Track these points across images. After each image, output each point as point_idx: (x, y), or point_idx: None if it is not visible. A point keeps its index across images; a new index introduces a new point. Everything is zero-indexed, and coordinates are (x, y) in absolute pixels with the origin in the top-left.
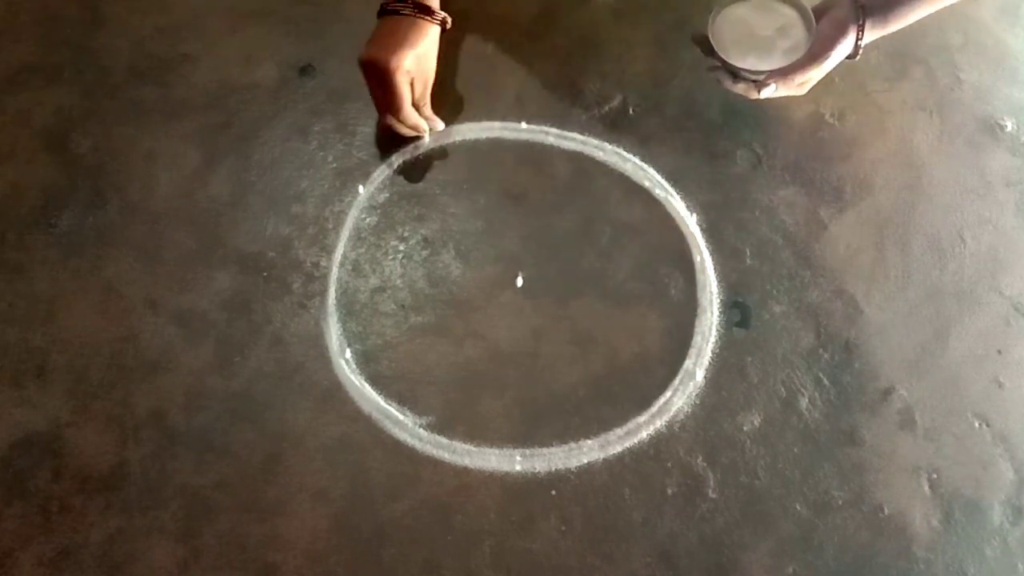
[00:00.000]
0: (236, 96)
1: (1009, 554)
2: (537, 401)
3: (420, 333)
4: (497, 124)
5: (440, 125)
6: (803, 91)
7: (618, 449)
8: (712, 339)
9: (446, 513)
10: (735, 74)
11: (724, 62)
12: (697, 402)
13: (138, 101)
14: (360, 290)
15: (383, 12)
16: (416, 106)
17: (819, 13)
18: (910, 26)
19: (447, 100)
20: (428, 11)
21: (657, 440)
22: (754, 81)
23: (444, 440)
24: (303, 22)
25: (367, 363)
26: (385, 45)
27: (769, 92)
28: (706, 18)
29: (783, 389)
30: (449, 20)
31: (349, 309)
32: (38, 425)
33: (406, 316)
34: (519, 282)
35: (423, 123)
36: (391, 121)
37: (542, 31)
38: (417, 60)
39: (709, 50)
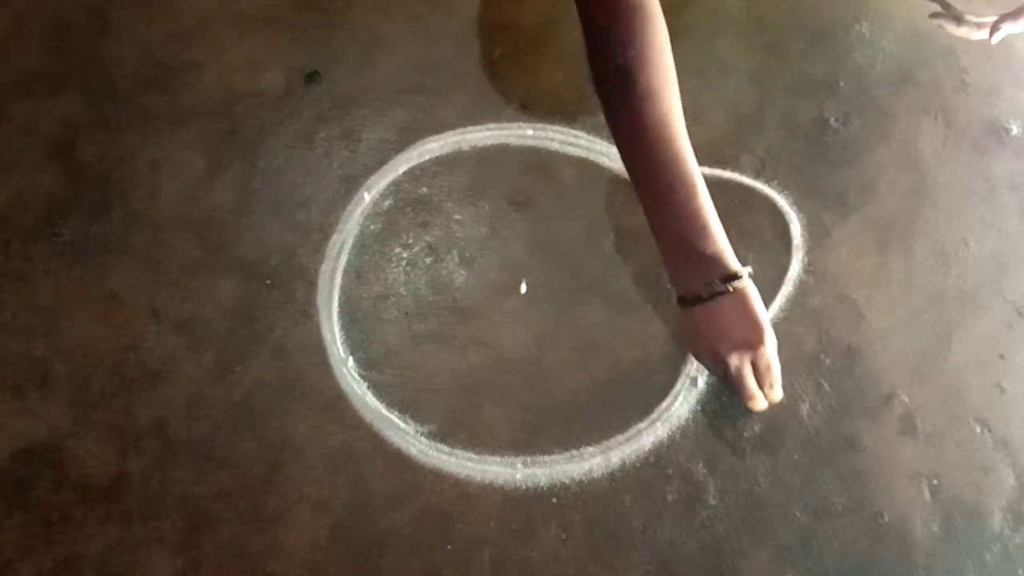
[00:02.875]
0: (242, 103)
1: (1010, 560)
2: (539, 408)
3: (423, 341)
4: (503, 130)
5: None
6: None
7: (619, 456)
8: None
9: (446, 522)
10: (959, 18)
11: (948, 6)
12: (698, 408)
13: (144, 109)
14: (363, 297)
15: (697, 299)
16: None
17: None
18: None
19: (455, 105)
20: (736, 276)
21: (658, 446)
22: (977, 24)
23: (445, 448)
24: (309, 29)
25: (369, 371)
26: (736, 335)
27: (1002, 35)
28: None
29: (784, 395)
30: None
31: (352, 317)
32: (39, 435)
33: (409, 324)
34: (523, 289)
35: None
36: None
37: (548, 37)
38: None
39: None
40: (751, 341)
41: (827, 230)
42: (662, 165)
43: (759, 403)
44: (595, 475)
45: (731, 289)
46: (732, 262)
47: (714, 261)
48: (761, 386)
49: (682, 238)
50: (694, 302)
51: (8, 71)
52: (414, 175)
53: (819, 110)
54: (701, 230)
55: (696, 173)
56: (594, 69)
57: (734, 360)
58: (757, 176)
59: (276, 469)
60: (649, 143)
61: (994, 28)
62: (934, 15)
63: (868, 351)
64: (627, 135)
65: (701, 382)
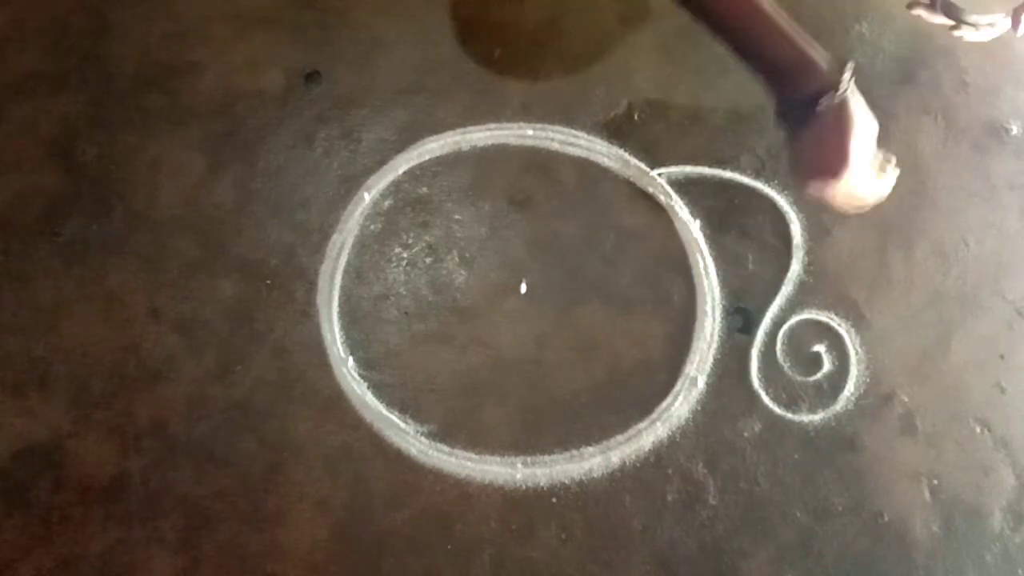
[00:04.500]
0: (242, 103)
1: (1010, 560)
2: (539, 408)
3: (423, 340)
4: (503, 130)
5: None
6: None
7: (619, 456)
8: (714, 345)
9: (447, 522)
10: (959, 19)
11: (951, 7)
12: (698, 408)
13: (144, 109)
14: (363, 297)
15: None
16: None
17: None
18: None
19: (455, 105)
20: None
21: (658, 446)
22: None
23: (446, 448)
24: (309, 29)
25: (369, 371)
26: (827, 158)
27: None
28: None
29: (784, 394)
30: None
31: (352, 317)
32: (39, 435)
33: (409, 324)
34: (523, 289)
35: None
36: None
37: (548, 38)
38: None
39: None
40: (831, 169)
41: (827, 230)
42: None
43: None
44: (595, 475)
45: (822, 105)
46: (825, 73)
47: (810, 73)
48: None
49: (770, 56)
50: (814, 113)
51: (8, 71)
52: (414, 175)
53: None
54: (786, 44)
55: None
56: None
57: (812, 190)
58: (757, 176)
59: (276, 469)
60: None
61: (1016, 20)
62: (913, 4)
63: (868, 351)
64: None
65: (701, 382)
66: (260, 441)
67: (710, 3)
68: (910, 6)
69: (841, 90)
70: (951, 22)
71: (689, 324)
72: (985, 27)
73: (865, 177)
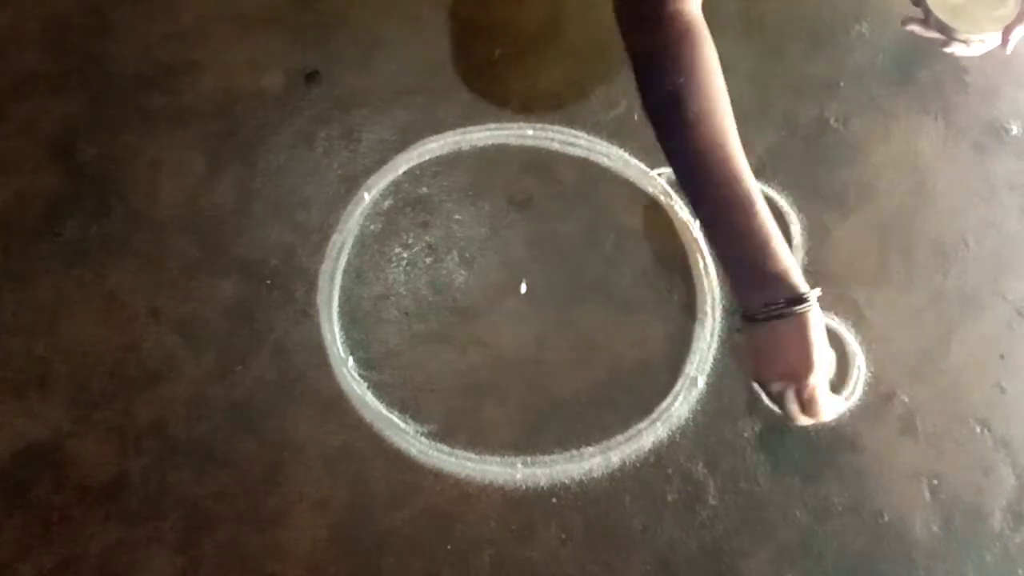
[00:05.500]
0: (242, 103)
1: (1010, 560)
2: (539, 408)
3: (423, 341)
4: (503, 130)
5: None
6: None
7: (619, 456)
8: (714, 345)
9: (446, 522)
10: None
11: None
12: (698, 408)
13: (144, 109)
14: (363, 297)
15: (758, 321)
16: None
17: None
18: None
19: (455, 105)
20: (800, 300)
21: (658, 446)
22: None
23: (445, 448)
24: (309, 29)
25: (369, 371)
26: (790, 361)
27: (1014, 43)
28: None
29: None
30: (818, 291)
31: (352, 317)
32: (40, 435)
33: (409, 324)
34: (523, 289)
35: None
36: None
37: (548, 38)
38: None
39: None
40: (797, 372)
41: (827, 230)
42: (717, 186)
43: (800, 422)
44: (595, 475)
45: (788, 313)
46: (796, 283)
47: (776, 281)
48: (805, 413)
49: (742, 257)
50: (751, 321)
51: (8, 71)
52: (414, 175)
53: (819, 110)
54: (761, 249)
55: (754, 191)
56: (643, 95)
57: (776, 387)
58: (757, 176)
59: (276, 469)
60: (703, 165)
61: (1005, 40)
62: (907, 20)
63: (868, 351)
64: (680, 158)
65: (701, 382)
66: (260, 441)
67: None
68: (904, 22)
69: (809, 300)
70: (943, 38)
71: (689, 324)
72: (976, 43)
73: (825, 387)
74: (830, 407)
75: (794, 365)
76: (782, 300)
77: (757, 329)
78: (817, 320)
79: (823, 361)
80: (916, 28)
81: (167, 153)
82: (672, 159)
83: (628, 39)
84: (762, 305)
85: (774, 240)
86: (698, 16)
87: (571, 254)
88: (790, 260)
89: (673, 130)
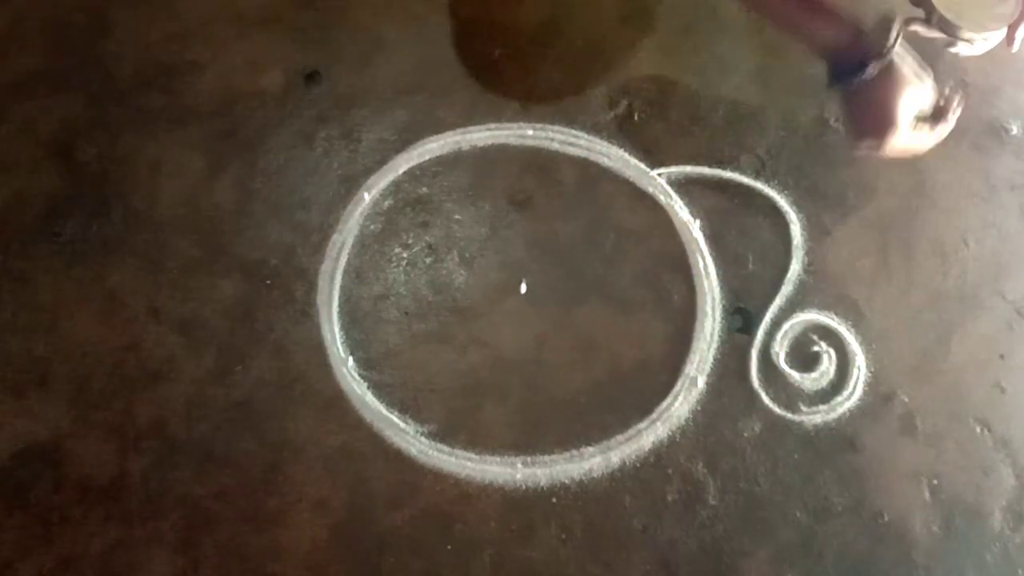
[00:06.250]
0: (242, 103)
1: (1010, 561)
2: (539, 408)
3: (423, 340)
4: (503, 130)
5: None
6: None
7: (619, 456)
8: (714, 345)
9: (447, 522)
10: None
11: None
12: (698, 408)
13: (144, 109)
14: (363, 297)
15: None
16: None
17: None
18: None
19: (455, 105)
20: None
21: (658, 446)
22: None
23: (445, 448)
24: (310, 29)
25: (369, 371)
26: (878, 120)
27: (1019, 41)
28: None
29: (784, 394)
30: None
31: (352, 317)
32: (39, 435)
33: (409, 324)
34: (523, 289)
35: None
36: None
37: (548, 37)
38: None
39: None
40: (878, 131)
41: (827, 230)
42: None
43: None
44: (595, 475)
45: (868, 73)
46: (867, 39)
47: (848, 40)
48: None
49: (811, 27)
50: (836, 85)
51: (8, 71)
52: (414, 175)
53: (819, 110)
54: (818, 12)
55: None
56: None
57: (862, 149)
58: (757, 176)
59: (276, 469)
60: None
61: (1010, 37)
62: (909, 20)
63: (868, 351)
64: None
65: (701, 382)
66: (260, 441)
67: None
68: (907, 22)
69: (885, 57)
70: (946, 37)
71: (689, 324)
72: (980, 42)
73: (911, 135)
74: (925, 140)
75: (874, 125)
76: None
77: (871, 81)
78: (901, 73)
79: (908, 111)
80: (919, 28)
81: (167, 153)
82: None
83: None
84: (842, 61)
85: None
86: None
87: (571, 254)
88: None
89: None
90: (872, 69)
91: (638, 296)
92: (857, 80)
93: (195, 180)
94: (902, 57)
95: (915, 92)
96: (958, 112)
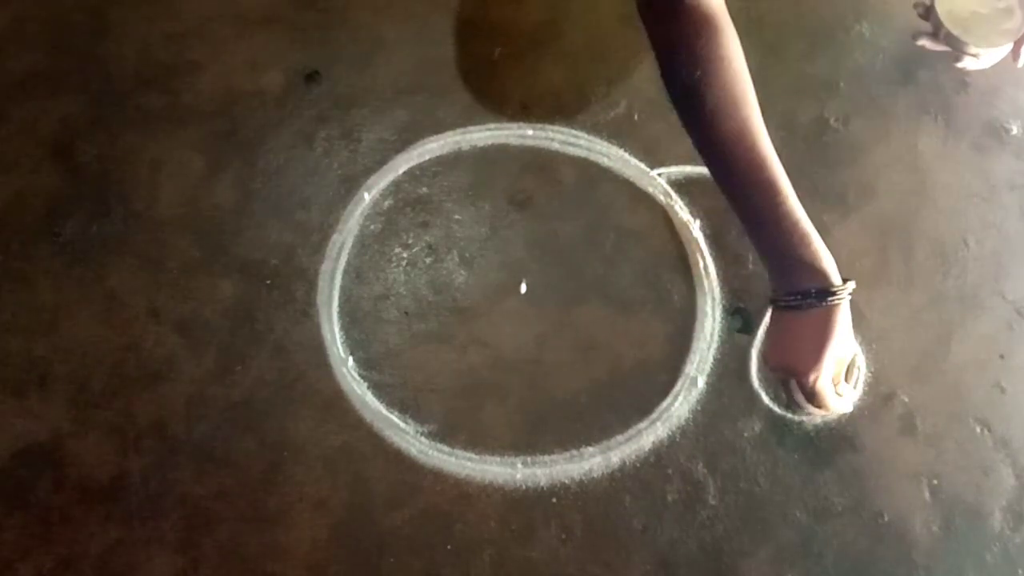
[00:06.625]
0: (242, 103)
1: (1010, 561)
2: (539, 408)
3: (423, 340)
4: (503, 130)
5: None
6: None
7: (619, 456)
8: (714, 345)
9: (447, 522)
10: (961, 50)
11: (955, 40)
12: (698, 408)
13: (144, 109)
14: (364, 297)
15: (779, 307)
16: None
17: None
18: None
19: (455, 105)
20: (830, 292)
21: (658, 446)
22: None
23: (445, 448)
24: (309, 29)
25: (369, 371)
26: (799, 354)
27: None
28: None
29: (784, 395)
30: (852, 285)
31: (352, 317)
32: (40, 435)
33: (409, 323)
34: (523, 289)
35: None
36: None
37: (548, 38)
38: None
39: (936, 25)
40: (801, 366)
41: (827, 230)
42: (741, 174)
43: (805, 412)
44: (595, 475)
45: (806, 305)
46: (827, 273)
47: (804, 270)
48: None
49: (769, 244)
50: (774, 305)
51: (8, 71)
52: (414, 175)
53: (819, 110)
54: (787, 235)
55: (780, 179)
56: (666, 85)
57: (777, 375)
58: None
59: (276, 469)
60: (726, 154)
61: (1016, 51)
62: (917, 35)
63: (868, 351)
64: (704, 148)
65: (701, 382)
66: (260, 441)
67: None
68: (915, 37)
69: (841, 293)
70: (954, 52)
71: (689, 324)
72: (986, 56)
73: (828, 388)
74: (836, 403)
75: (803, 357)
76: (811, 290)
77: (780, 314)
78: (843, 316)
79: (832, 360)
80: (926, 43)
81: (167, 153)
82: (696, 147)
83: (649, 31)
84: (785, 293)
85: (802, 226)
86: (719, 7)
87: (571, 254)
88: (820, 249)
89: (694, 122)
90: (825, 302)
91: (638, 296)
92: (804, 307)
93: (195, 180)
94: (846, 313)
95: (842, 350)
96: (855, 391)
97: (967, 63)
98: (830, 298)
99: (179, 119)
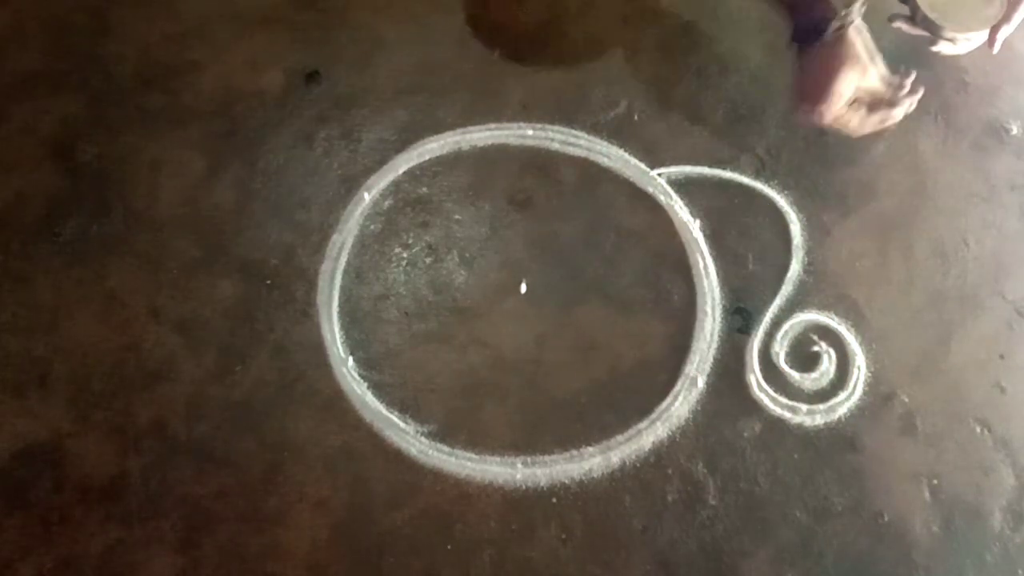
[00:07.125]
0: (242, 103)
1: (1010, 561)
2: (539, 408)
3: (423, 340)
4: (503, 130)
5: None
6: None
7: (619, 456)
8: (714, 345)
9: (447, 522)
10: (936, 34)
11: (932, 24)
12: (698, 408)
13: (144, 109)
14: (364, 297)
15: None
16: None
17: None
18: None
19: (455, 105)
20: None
21: (658, 446)
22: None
23: (445, 448)
24: (309, 29)
25: (369, 371)
26: (819, 85)
27: (1000, 41)
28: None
29: (784, 395)
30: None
31: (352, 317)
32: (39, 435)
33: (409, 323)
34: (523, 289)
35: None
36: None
37: (548, 37)
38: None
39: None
40: (813, 97)
41: (827, 230)
42: None
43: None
44: (595, 475)
45: (814, 36)
46: (829, 5)
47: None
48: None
49: None
50: (793, 43)
51: (8, 71)
52: (414, 175)
53: None
54: None
55: None
56: None
57: (798, 114)
58: (757, 176)
59: (276, 469)
60: None
61: (991, 39)
62: (894, 17)
63: (868, 351)
64: None
65: (701, 382)
66: (260, 441)
67: None
68: (891, 19)
69: (842, 22)
70: (930, 36)
71: (689, 324)
72: (962, 42)
73: (848, 112)
74: (862, 123)
75: (813, 90)
76: (817, 20)
77: (801, 55)
78: (851, 46)
79: (850, 85)
80: (903, 25)
81: (167, 153)
82: None
83: None
84: (798, 29)
85: None
86: None
87: (571, 254)
88: None
89: None
90: (829, 32)
91: (638, 296)
92: (815, 41)
93: (195, 180)
94: (859, 31)
95: (861, 70)
96: (910, 107)
97: (942, 47)
98: (839, 24)
99: (179, 119)
